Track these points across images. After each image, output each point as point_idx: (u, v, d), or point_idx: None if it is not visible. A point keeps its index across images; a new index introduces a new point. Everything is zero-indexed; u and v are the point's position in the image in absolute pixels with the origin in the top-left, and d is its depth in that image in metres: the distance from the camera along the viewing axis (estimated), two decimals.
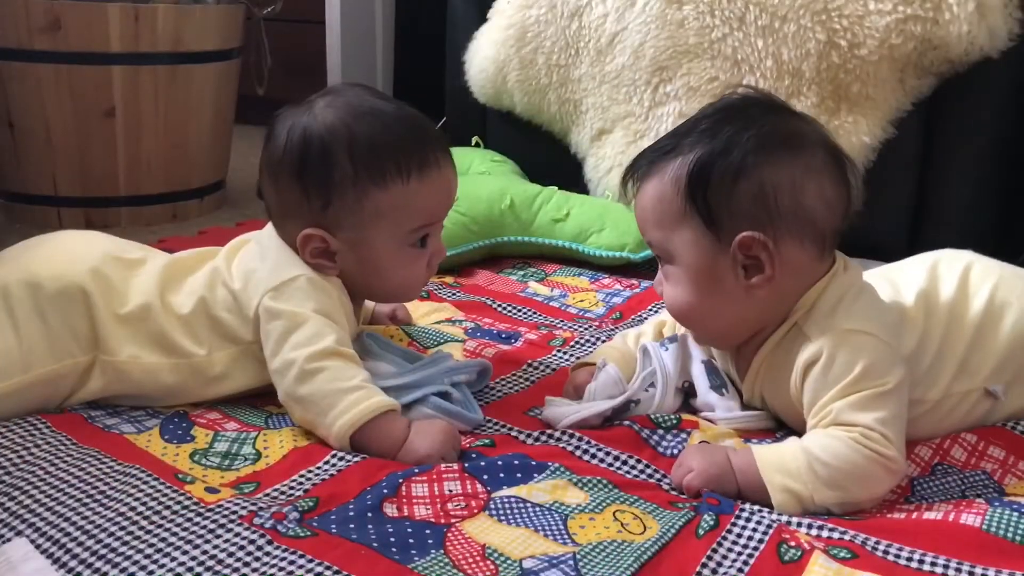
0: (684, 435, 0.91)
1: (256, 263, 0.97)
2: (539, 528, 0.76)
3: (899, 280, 0.96)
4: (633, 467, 0.88)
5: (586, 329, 1.24)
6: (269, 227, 1.01)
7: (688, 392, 0.97)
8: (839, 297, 0.87)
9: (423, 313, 1.26)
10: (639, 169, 0.92)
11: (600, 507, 0.80)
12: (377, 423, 0.88)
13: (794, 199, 0.85)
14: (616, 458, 0.89)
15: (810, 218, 0.86)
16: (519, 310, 1.32)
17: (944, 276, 0.94)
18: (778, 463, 0.82)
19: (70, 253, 0.97)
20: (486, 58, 1.81)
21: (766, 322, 0.90)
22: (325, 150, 0.94)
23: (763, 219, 0.85)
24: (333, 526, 0.75)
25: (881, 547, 0.75)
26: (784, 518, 0.79)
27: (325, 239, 0.95)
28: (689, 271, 0.89)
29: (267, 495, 0.81)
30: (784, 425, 0.94)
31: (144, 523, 0.74)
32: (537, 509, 0.79)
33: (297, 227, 0.96)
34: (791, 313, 0.89)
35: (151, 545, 0.71)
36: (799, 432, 0.87)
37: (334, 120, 0.95)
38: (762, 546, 0.75)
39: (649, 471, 0.88)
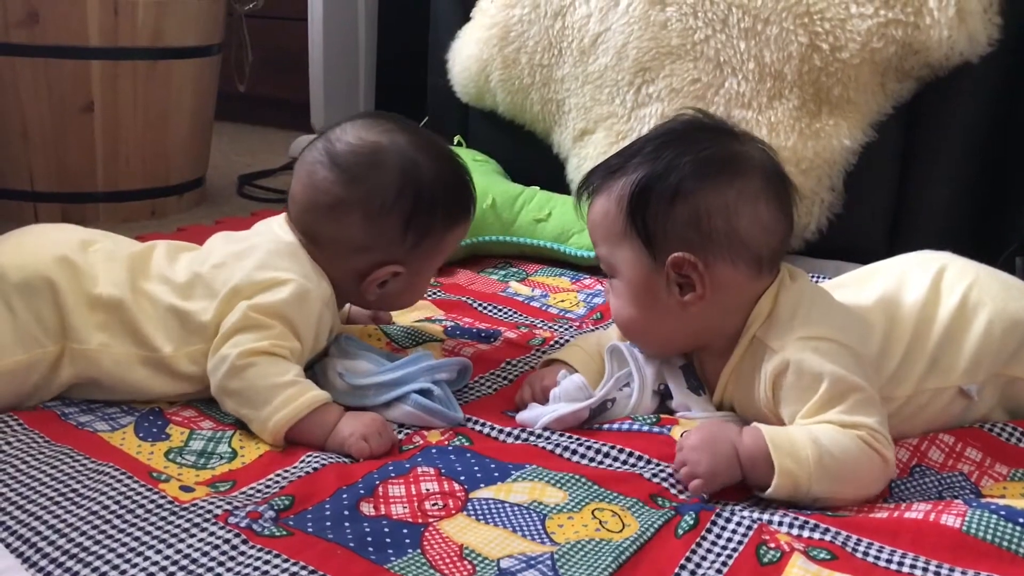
0: (665, 430, 0.90)
1: (244, 259, 0.97)
2: (517, 528, 0.76)
3: (868, 283, 0.97)
4: (616, 458, 0.87)
5: (566, 329, 1.24)
6: (267, 234, 1.02)
7: (664, 395, 0.97)
8: (795, 305, 0.89)
9: (403, 312, 1.25)
10: (591, 185, 0.96)
11: (579, 506, 0.79)
12: (312, 416, 0.89)
13: (728, 222, 0.88)
14: (598, 451, 0.88)
15: (744, 241, 0.88)
16: (499, 310, 1.31)
17: (916, 277, 0.96)
18: (790, 449, 0.81)
19: (37, 244, 0.97)
20: (469, 57, 1.81)
21: (708, 334, 0.93)
22: (434, 204, 1.01)
23: (695, 241, 0.88)
24: (309, 525, 0.75)
25: (862, 547, 0.75)
26: (766, 517, 0.79)
27: (398, 272, 1.01)
28: (630, 286, 0.92)
29: (243, 494, 0.80)
30: None
31: (117, 522, 0.73)
32: (515, 509, 0.78)
33: (371, 260, 1.00)
34: (747, 326, 0.90)
35: (124, 544, 0.70)
36: None
37: (437, 173, 1.01)
38: (741, 547, 0.75)
39: (632, 460, 0.86)
